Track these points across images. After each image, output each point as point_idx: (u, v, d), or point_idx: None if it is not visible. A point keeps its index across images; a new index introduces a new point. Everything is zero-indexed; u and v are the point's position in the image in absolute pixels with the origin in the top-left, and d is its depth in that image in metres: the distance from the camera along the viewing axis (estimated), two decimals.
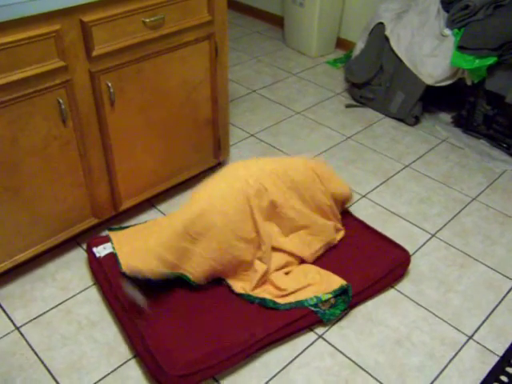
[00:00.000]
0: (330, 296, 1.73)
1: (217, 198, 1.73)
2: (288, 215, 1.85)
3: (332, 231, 1.93)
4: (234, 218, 1.72)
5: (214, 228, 1.69)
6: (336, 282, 1.77)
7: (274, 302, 1.71)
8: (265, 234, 1.77)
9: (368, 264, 1.87)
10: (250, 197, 1.74)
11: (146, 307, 1.67)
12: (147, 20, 1.71)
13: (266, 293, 1.75)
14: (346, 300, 1.74)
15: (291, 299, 1.73)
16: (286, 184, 1.84)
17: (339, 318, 1.76)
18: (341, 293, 1.75)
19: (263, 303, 1.71)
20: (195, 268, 1.71)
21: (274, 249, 1.84)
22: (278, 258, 1.83)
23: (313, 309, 1.70)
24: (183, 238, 1.68)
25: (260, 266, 1.77)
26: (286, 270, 1.84)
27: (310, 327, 1.72)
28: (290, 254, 1.86)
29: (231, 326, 1.64)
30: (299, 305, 1.71)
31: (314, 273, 1.82)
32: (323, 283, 1.78)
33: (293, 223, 1.87)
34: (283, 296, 1.74)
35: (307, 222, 1.88)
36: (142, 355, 1.56)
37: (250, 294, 1.74)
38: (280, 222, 1.86)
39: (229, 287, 1.77)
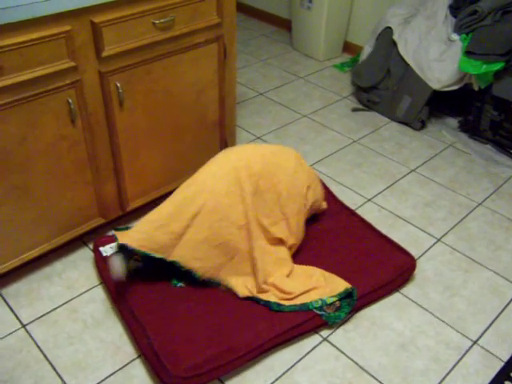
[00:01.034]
0: (335, 299, 1.74)
1: (208, 179, 1.75)
2: (273, 200, 1.84)
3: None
4: (225, 200, 1.73)
5: (204, 208, 1.70)
6: (341, 285, 1.78)
7: (279, 305, 1.72)
8: (254, 224, 1.78)
9: (374, 268, 1.87)
10: (241, 179, 1.75)
11: (123, 279, 1.69)
12: (157, 21, 1.72)
13: (271, 296, 1.76)
14: (351, 303, 1.74)
15: (296, 302, 1.74)
16: (273, 168, 1.84)
17: (344, 321, 1.76)
18: (346, 296, 1.76)
19: (268, 305, 1.72)
20: (186, 252, 1.71)
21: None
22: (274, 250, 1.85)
23: (318, 312, 1.71)
24: (175, 220, 1.69)
25: (257, 256, 1.79)
26: (288, 271, 1.84)
27: (315, 330, 1.72)
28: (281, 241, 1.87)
29: (236, 327, 1.65)
30: (304, 307, 1.71)
31: (319, 275, 1.83)
32: (328, 286, 1.79)
33: (277, 208, 1.86)
34: (289, 300, 1.75)
35: (287, 211, 1.88)
36: (146, 355, 1.56)
37: (255, 296, 1.75)
38: (264, 205, 1.84)
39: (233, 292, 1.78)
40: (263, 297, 1.75)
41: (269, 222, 1.82)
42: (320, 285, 1.79)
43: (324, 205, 2.09)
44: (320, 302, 1.73)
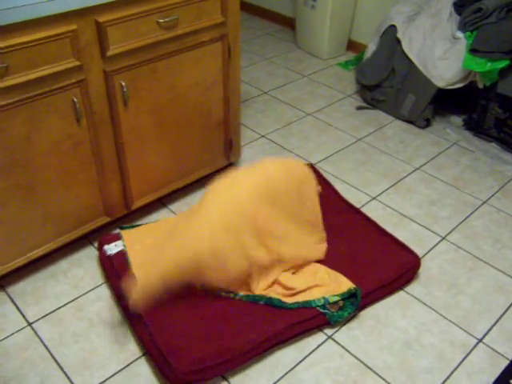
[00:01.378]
0: (338, 299, 1.74)
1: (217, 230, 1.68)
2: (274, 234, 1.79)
3: (312, 248, 1.92)
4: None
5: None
6: (344, 284, 1.78)
7: (281, 301, 1.72)
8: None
9: (378, 267, 1.87)
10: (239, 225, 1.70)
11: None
12: (161, 21, 1.72)
13: (273, 292, 1.76)
14: (355, 303, 1.74)
15: (299, 299, 1.74)
16: (268, 201, 1.76)
17: (348, 320, 1.76)
18: (349, 296, 1.76)
19: (270, 302, 1.72)
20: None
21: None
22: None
23: (321, 310, 1.71)
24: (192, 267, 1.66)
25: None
26: (293, 269, 1.85)
27: (318, 328, 1.72)
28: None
29: (240, 324, 1.65)
30: (307, 305, 1.72)
31: (323, 273, 1.83)
32: (331, 284, 1.79)
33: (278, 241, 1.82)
34: (291, 295, 1.75)
35: (291, 237, 1.84)
36: (150, 352, 1.57)
37: (256, 294, 1.75)
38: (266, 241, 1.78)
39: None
40: (265, 292, 1.75)
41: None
42: (324, 283, 1.79)
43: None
44: (322, 300, 1.73)
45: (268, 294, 1.75)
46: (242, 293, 1.76)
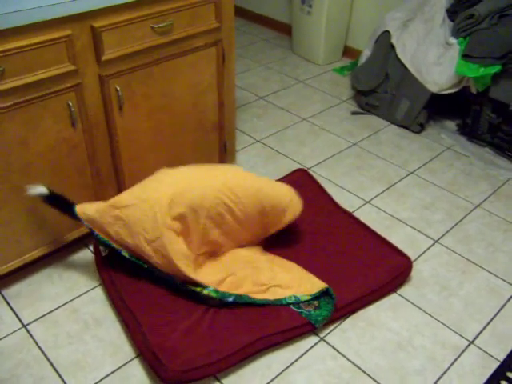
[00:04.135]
0: (309, 298, 1.74)
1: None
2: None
3: None
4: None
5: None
6: (316, 285, 1.78)
7: (249, 297, 1.73)
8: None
9: (370, 270, 1.89)
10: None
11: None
12: (156, 26, 1.75)
13: (242, 290, 1.75)
14: (330, 301, 1.75)
15: (269, 296, 1.74)
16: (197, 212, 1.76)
17: (341, 322, 1.77)
18: (322, 294, 1.76)
19: (239, 299, 1.72)
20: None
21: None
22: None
23: (296, 309, 1.71)
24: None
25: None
26: (266, 258, 1.88)
27: (302, 334, 1.72)
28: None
29: (232, 325, 1.66)
30: (277, 302, 1.73)
31: (295, 272, 1.83)
32: (302, 285, 1.78)
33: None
34: (261, 292, 1.75)
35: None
36: (143, 352, 1.58)
37: (225, 292, 1.73)
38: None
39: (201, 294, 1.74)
40: (234, 291, 1.74)
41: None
42: (294, 283, 1.79)
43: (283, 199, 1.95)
44: (293, 298, 1.73)
45: (236, 291, 1.74)
46: (211, 287, 1.72)
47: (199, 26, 1.89)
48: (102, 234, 1.73)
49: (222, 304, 1.72)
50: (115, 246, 1.74)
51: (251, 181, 1.84)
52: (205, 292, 1.71)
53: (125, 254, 1.74)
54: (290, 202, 1.91)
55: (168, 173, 1.79)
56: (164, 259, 1.69)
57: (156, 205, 1.68)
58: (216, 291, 1.72)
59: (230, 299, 1.72)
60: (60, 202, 1.71)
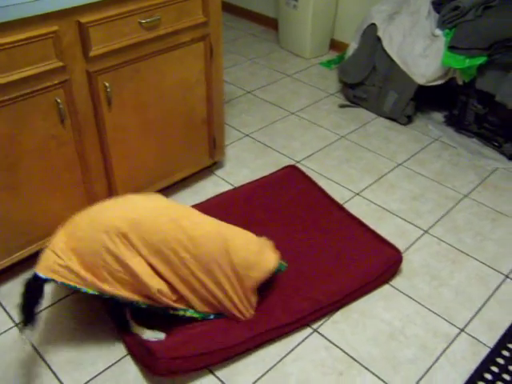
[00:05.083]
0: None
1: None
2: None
3: None
4: None
5: None
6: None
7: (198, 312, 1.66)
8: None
9: (360, 264, 1.90)
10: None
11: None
12: (143, 21, 1.74)
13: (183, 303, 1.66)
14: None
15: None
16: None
17: (333, 313, 1.79)
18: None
19: (218, 316, 1.68)
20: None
21: None
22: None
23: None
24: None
25: None
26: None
27: (306, 325, 1.74)
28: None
29: (224, 323, 1.67)
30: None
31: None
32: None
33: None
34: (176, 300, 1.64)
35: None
36: (130, 346, 1.60)
37: (206, 311, 1.67)
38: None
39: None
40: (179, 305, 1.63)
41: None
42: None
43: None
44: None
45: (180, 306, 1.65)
46: (190, 309, 1.65)
47: (186, 21, 1.88)
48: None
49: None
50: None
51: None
52: (188, 314, 1.64)
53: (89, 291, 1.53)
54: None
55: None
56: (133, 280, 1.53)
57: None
58: (197, 312, 1.65)
59: (211, 317, 1.68)
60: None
